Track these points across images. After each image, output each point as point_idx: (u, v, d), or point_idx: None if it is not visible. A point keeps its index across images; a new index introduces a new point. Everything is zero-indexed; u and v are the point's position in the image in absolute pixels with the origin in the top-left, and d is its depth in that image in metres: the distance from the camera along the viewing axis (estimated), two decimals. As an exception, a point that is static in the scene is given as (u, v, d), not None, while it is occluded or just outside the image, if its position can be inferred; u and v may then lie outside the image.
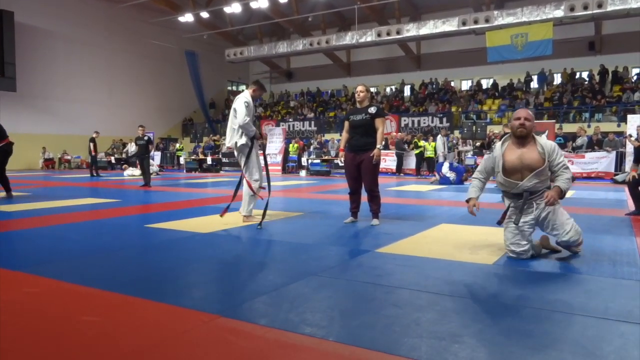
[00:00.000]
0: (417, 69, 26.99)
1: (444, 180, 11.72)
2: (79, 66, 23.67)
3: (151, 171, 12.23)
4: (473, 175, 3.73)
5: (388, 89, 27.58)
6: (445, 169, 11.86)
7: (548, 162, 3.42)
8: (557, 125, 15.69)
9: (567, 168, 3.48)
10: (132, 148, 17.82)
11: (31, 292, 2.70)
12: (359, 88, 5.19)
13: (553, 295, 2.63)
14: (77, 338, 2.03)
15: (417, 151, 15.96)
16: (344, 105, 26.36)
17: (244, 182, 5.35)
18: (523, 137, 3.49)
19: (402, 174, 15.97)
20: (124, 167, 17.36)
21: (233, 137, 5.33)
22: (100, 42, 24.50)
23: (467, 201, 3.68)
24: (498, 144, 3.66)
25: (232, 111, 5.34)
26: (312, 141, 20.38)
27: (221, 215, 5.32)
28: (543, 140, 3.55)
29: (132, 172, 15.51)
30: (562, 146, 14.54)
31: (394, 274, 3.07)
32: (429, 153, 15.67)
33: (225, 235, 4.60)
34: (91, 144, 15.40)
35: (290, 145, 18.92)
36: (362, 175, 5.10)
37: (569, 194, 8.80)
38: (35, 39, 22.02)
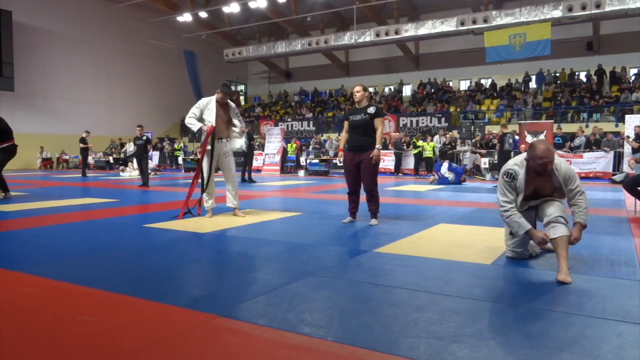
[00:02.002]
0: (415, 69, 27.02)
1: (442, 181, 11.73)
2: (77, 66, 23.63)
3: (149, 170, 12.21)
4: (505, 208, 3.27)
5: (387, 89, 27.60)
6: (444, 169, 11.87)
7: (561, 189, 3.24)
8: (555, 126, 15.72)
9: (583, 193, 3.24)
10: (130, 148, 17.77)
11: (30, 292, 2.69)
12: (356, 88, 5.21)
13: (551, 295, 2.63)
14: (76, 338, 2.03)
15: (415, 151, 15.98)
16: (342, 105, 26.37)
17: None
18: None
19: (400, 174, 15.98)
20: (120, 168, 17.22)
21: None
22: (99, 42, 24.46)
23: (527, 233, 3.20)
24: (521, 173, 3.23)
25: None
26: (309, 141, 20.32)
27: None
28: (560, 165, 3.20)
29: (131, 173, 15.45)
30: (561, 146, 14.57)
31: (392, 273, 3.07)
32: (427, 153, 15.69)
33: (223, 235, 4.60)
34: (81, 144, 15.30)
35: (289, 145, 18.91)
36: (362, 175, 5.11)
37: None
38: (34, 38, 21.98)
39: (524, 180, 3.23)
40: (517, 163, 3.28)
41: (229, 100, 5.75)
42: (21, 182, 12.23)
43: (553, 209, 3.19)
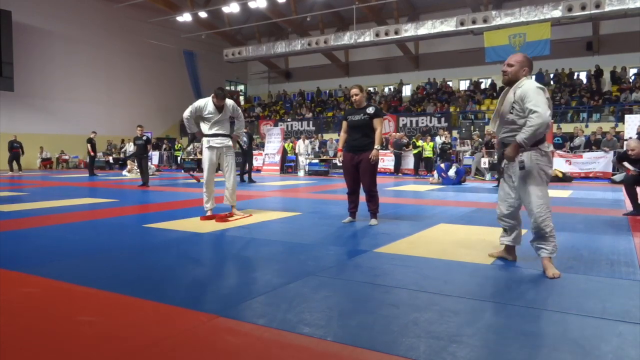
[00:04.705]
0: (415, 69, 27.02)
1: (447, 181, 11.72)
2: (77, 66, 23.61)
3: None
4: None
5: (386, 89, 27.61)
6: (452, 171, 11.88)
7: (514, 110, 2.97)
8: (555, 126, 15.72)
9: (534, 112, 2.84)
10: (130, 148, 17.74)
11: (30, 292, 2.69)
12: (353, 91, 5.11)
13: (551, 295, 2.63)
14: (76, 338, 2.03)
15: (415, 151, 15.98)
16: (342, 105, 26.37)
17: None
18: (507, 84, 3.04)
19: (400, 174, 15.98)
20: (128, 168, 16.70)
21: None
22: (99, 42, 24.44)
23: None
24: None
25: None
26: (297, 141, 19.60)
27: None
28: (525, 83, 3.00)
29: (138, 173, 15.25)
30: (560, 146, 14.57)
31: (392, 273, 3.07)
32: (427, 153, 15.69)
33: (223, 235, 4.60)
34: (89, 145, 15.45)
35: (286, 144, 18.83)
36: (361, 175, 5.11)
37: (565, 194, 8.81)
38: (33, 38, 21.96)
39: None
40: None
41: (227, 100, 5.74)
42: (21, 182, 12.22)
43: (531, 206, 3.05)
